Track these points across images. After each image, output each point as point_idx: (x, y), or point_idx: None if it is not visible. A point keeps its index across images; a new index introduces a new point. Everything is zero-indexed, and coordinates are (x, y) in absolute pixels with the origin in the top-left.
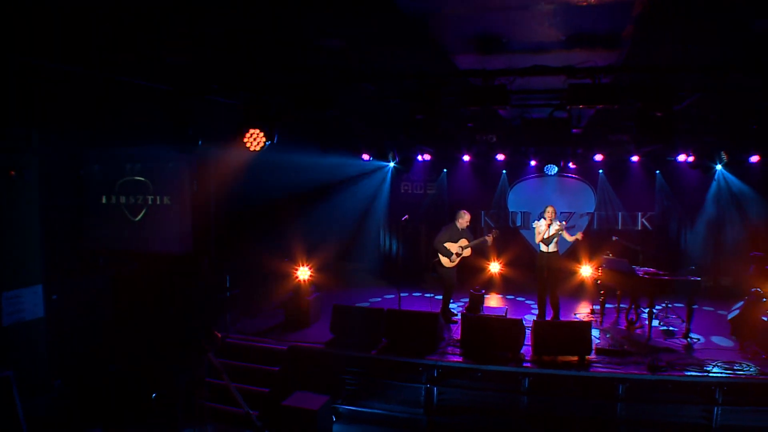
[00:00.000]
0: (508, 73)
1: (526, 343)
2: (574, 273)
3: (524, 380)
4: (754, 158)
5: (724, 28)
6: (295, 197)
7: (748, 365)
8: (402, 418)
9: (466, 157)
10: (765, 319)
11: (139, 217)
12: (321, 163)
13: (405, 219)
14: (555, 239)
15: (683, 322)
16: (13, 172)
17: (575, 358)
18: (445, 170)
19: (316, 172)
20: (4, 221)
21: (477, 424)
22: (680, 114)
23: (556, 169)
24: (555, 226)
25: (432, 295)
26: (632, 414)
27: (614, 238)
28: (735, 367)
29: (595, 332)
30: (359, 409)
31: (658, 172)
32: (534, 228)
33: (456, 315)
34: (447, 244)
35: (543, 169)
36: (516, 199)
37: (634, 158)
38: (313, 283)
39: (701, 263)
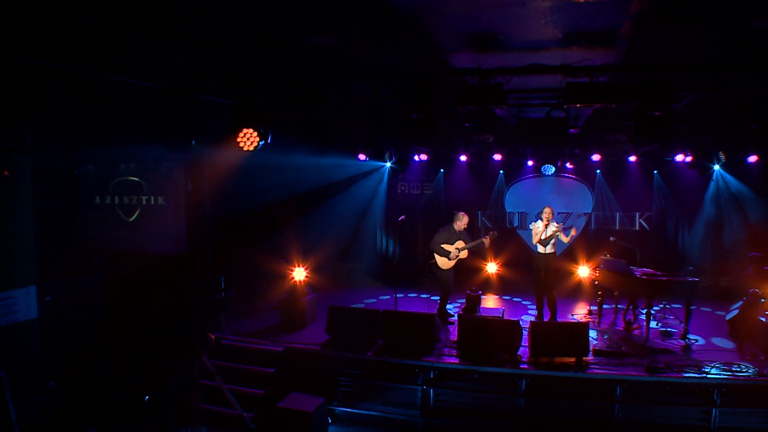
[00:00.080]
0: (504, 71)
1: (523, 344)
2: (571, 274)
3: (521, 382)
4: (753, 158)
5: (722, 26)
6: (291, 197)
7: (747, 366)
8: (398, 420)
9: (463, 157)
10: (763, 320)
11: (134, 217)
12: (317, 163)
13: (401, 219)
14: (552, 240)
15: (681, 323)
16: (6, 173)
17: (573, 359)
18: (442, 170)
19: (313, 172)
20: None
21: (473, 426)
22: (678, 114)
23: (554, 169)
24: (552, 227)
25: (428, 295)
26: (630, 416)
27: (612, 239)
28: (733, 369)
29: (592, 333)
30: (355, 410)
31: (655, 172)
32: (531, 229)
33: (453, 316)
34: (444, 246)
35: (540, 169)
36: (513, 200)
37: (632, 158)
38: (308, 284)
39: (699, 264)
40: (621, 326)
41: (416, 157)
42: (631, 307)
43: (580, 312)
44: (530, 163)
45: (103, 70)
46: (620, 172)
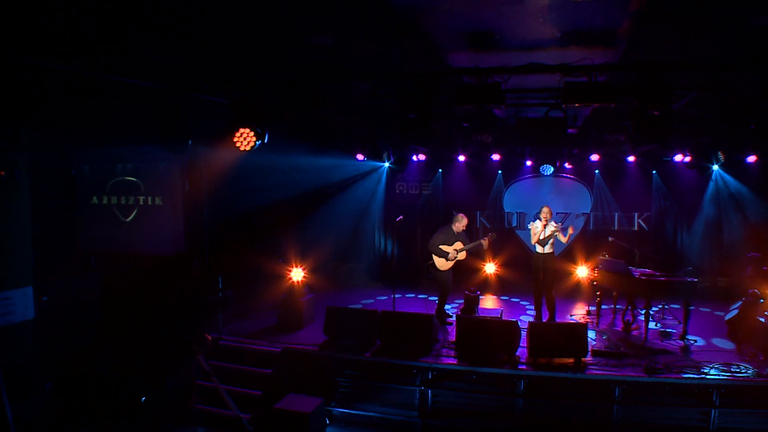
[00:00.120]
0: (502, 70)
1: (521, 344)
2: (570, 274)
3: (520, 382)
4: (752, 158)
5: (722, 24)
6: (289, 198)
7: (746, 367)
8: (396, 421)
9: (461, 157)
10: (762, 320)
11: (131, 217)
12: (315, 163)
13: (400, 219)
14: (551, 240)
15: (680, 323)
16: (2, 172)
17: (571, 360)
18: (440, 170)
19: (311, 173)
20: None
21: (472, 426)
22: (677, 113)
23: (552, 169)
24: (551, 227)
25: (426, 296)
26: (629, 416)
27: (610, 239)
28: (732, 369)
29: (591, 334)
30: (353, 411)
31: (654, 172)
32: (530, 229)
33: (451, 316)
34: (442, 247)
35: (539, 169)
36: (512, 200)
37: (631, 158)
38: (306, 284)
39: (698, 264)
40: (620, 327)
41: (415, 157)
42: (629, 307)
43: (579, 312)
44: (529, 163)
45: (102, 70)
46: (619, 172)
